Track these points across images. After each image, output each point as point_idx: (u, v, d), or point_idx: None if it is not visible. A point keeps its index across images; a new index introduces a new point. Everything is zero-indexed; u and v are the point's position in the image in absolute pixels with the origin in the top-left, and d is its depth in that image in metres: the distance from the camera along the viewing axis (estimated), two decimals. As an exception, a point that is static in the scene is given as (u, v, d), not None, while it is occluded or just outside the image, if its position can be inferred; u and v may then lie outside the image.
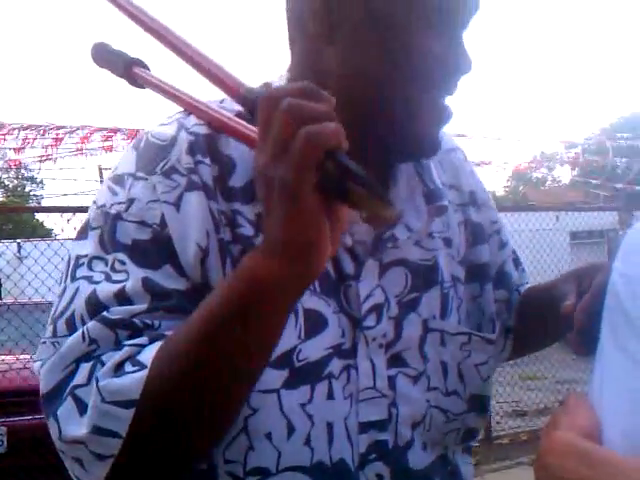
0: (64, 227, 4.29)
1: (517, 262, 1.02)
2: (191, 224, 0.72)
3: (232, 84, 0.67)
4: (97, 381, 0.65)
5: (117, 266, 0.71)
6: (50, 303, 0.77)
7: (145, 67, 0.76)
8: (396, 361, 0.80)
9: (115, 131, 9.47)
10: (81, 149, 9.74)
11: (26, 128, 8.97)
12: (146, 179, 0.74)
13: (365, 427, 0.77)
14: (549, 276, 10.75)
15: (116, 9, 0.76)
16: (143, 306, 0.69)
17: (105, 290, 0.70)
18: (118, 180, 0.76)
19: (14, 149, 9.56)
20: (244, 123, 0.68)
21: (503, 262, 0.98)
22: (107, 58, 0.78)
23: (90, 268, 0.72)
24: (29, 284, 5.01)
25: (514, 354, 1.01)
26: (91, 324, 0.68)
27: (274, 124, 0.56)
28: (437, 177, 0.86)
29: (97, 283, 0.71)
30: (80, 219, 4.23)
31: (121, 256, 0.71)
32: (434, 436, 0.82)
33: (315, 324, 0.75)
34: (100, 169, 13.54)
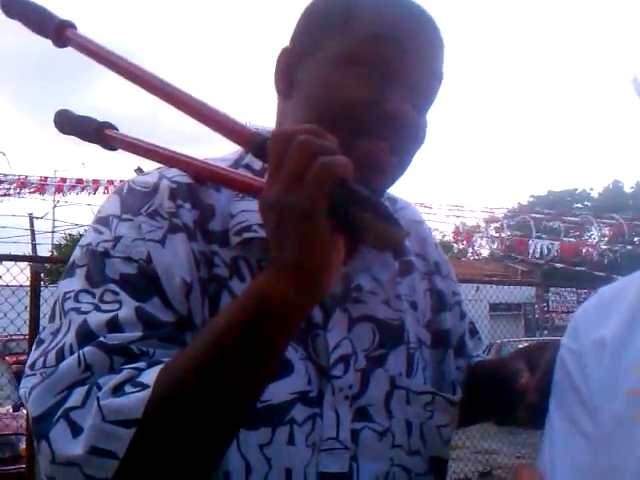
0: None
1: (473, 331, 1.06)
2: (176, 260, 0.74)
3: (239, 129, 0.72)
4: (98, 400, 0.65)
5: (107, 297, 0.72)
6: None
7: (115, 129, 0.78)
8: (362, 415, 0.80)
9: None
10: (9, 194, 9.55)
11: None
12: (131, 220, 0.76)
13: (324, 478, 0.77)
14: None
15: (115, 73, 0.78)
16: (138, 334, 0.70)
17: (96, 319, 0.70)
18: (103, 221, 0.78)
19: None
20: (231, 170, 0.75)
21: (463, 332, 1.01)
22: (73, 124, 0.80)
23: (77, 300, 0.73)
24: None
25: (459, 424, 1.03)
26: (87, 349, 0.68)
27: (289, 157, 0.61)
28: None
29: (86, 313, 0.71)
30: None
31: (112, 287, 0.73)
32: None
33: (281, 368, 0.75)
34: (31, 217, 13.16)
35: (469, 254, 39.96)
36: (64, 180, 10.54)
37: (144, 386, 0.64)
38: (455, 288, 0.99)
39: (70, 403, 0.66)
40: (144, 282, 0.73)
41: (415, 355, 0.86)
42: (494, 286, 8.34)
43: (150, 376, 0.65)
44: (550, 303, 19.65)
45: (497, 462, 6.96)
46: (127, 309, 0.71)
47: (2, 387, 5.63)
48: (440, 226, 29.74)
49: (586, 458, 0.64)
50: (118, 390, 0.65)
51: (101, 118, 0.80)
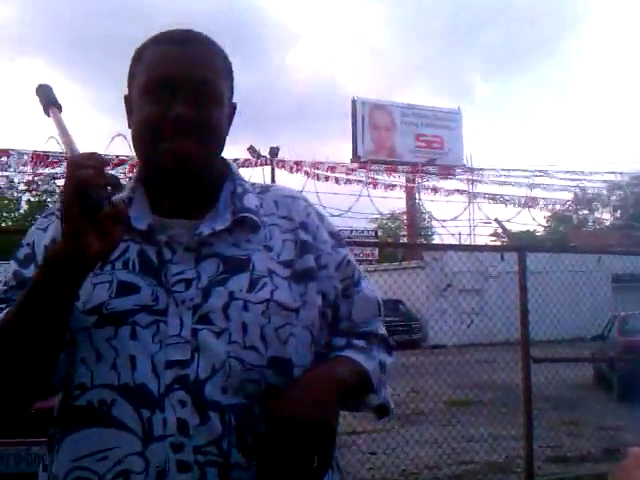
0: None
1: (349, 292, 1.27)
2: (44, 239, 1.21)
3: None
4: None
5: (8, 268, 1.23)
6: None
7: (60, 110, 1.13)
8: (204, 320, 1.09)
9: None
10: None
11: None
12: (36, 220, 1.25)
13: (171, 364, 1.06)
14: (589, 319, 10.55)
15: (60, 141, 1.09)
16: (6, 287, 1.18)
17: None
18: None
19: None
20: None
21: (344, 287, 1.26)
22: (43, 93, 1.14)
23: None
24: None
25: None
26: None
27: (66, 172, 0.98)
28: (250, 204, 1.20)
29: None
30: None
31: (12, 262, 1.21)
32: (233, 383, 1.07)
33: (126, 290, 1.10)
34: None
35: (590, 223, 38.39)
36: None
37: None
38: (325, 244, 1.25)
39: None
40: (29, 255, 1.20)
41: (261, 279, 1.13)
42: (617, 256, 7.90)
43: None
44: (680, 273, 18.53)
45: (623, 440, 6.71)
46: (10, 273, 1.19)
47: None
48: (558, 194, 28.54)
49: None
50: None
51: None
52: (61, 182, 19.19)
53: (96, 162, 0.96)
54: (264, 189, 1.27)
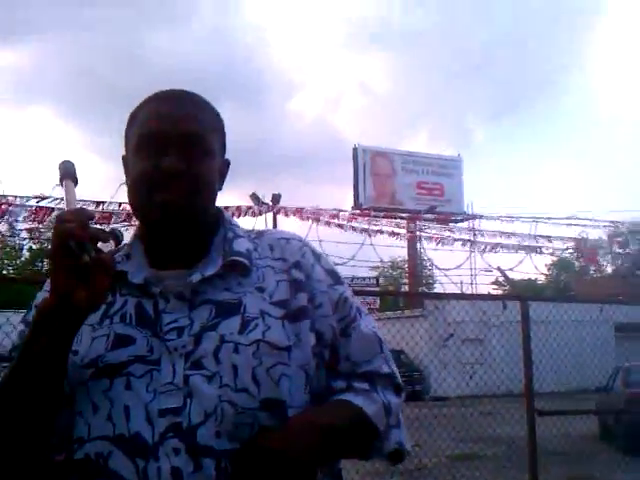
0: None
1: (346, 331, 1.24)
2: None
3: None
4: None
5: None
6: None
7: (76, 184, 1.19)
8: (196, 365, 1.10)
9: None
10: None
11: None
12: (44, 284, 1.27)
13: (164, 412, 1.07)
14: (593, 370, 10.44)
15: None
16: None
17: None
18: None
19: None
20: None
21: (342, 328, 1.23)
22: (64, 166, 1.20)
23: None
24: None
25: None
26: None
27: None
28: (241, 247, 1.22)
29: None
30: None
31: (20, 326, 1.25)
32: (226, 427, 1.07)
33: (122, 342, 1.12)
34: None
35: (591, 271, 38.33)
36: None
37: None
38: (320, 283, 1.24)
39: None
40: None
41: (252, 321, 1.14)
42: (619, 305, 7.86)
43: None
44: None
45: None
46: (17, 335, 1.23)
47: None
48: (557, 244, 28.52)
49: None
50: None
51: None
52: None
53: (80, 216, 1.02)
54: (259, 234, 1.30)
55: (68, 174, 1.19)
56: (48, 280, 1.26)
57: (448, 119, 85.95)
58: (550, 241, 27.22)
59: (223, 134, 1.29)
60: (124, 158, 1.27)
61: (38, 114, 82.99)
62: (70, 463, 1.10)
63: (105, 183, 65.48)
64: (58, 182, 1.19)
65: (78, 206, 1.11)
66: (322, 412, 1.15)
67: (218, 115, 1.28)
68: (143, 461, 1.05)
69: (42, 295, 1.23)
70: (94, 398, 1.10)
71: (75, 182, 1.18)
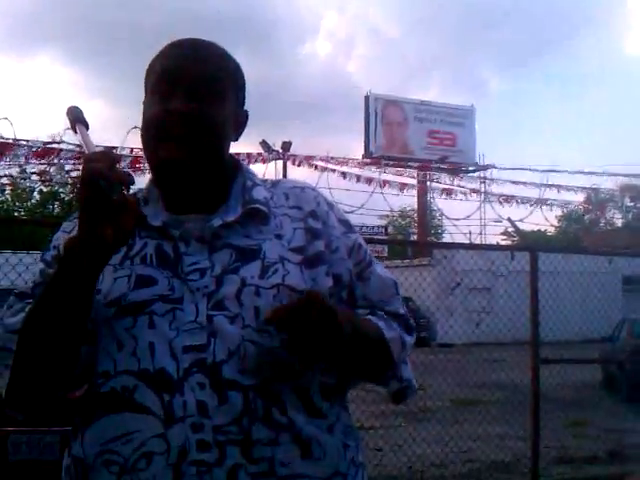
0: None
1: (364, 275, 1.30)
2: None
3: None
4: (2, 320, 1.23)
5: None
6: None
7: (87, 128, 1.20)
8: (218, 306, 1.14)
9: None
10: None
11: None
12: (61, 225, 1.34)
13: (188, 349, 1.11)
14: (599, 320, 10.52)
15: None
16: (31, 285, 1.26)
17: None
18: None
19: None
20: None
21: (359, 271, 1.29)
22: (72, 112, 1.22)
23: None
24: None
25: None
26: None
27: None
28: (260, 196, 1.25)
29: None
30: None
31: (40, 264, 1.28)
32: (250, 365, 1.11)
33: (144, 282, 1.16)
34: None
35: (601, 224, 38.15)
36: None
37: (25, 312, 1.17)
38: (335, 229, 1.28)
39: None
40: (56, 256, 1.23)
41: (272, 266, 1.18)
42: (628, 258, 7.85)
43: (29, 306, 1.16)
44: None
45: (630, 442, 6.70)
46: (37, 273, 1.26)
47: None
48: (569, 195, 28.32)
49: None
50: (15, 314, 1.20)
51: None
52: (74, 174, 19.68)
53: (108, 157, 1.05)
54: (274, 183, 1.32)
55: (78, 119, 1.20)
56: (65, 222, 1.32)
57: (463, 68, 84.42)
58: (559, 192, 27.00)
59: (241, 86, 1.29)
60: (144, 104, 1.28)
61: (45, 58, 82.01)
62: (95, 396, 1.14)
63: (110, 126, 65.05)
64: (69, 127, 1.21)
65: (95, 149, 1.13)
66: (354, 314, 1.22)
67: (238, 66, 1.28)
68: (168, 395, 1.09)
69: (61, 235, 1.27)
70: (119, 335, 1.14)
71: (86, 127, 1.20)
